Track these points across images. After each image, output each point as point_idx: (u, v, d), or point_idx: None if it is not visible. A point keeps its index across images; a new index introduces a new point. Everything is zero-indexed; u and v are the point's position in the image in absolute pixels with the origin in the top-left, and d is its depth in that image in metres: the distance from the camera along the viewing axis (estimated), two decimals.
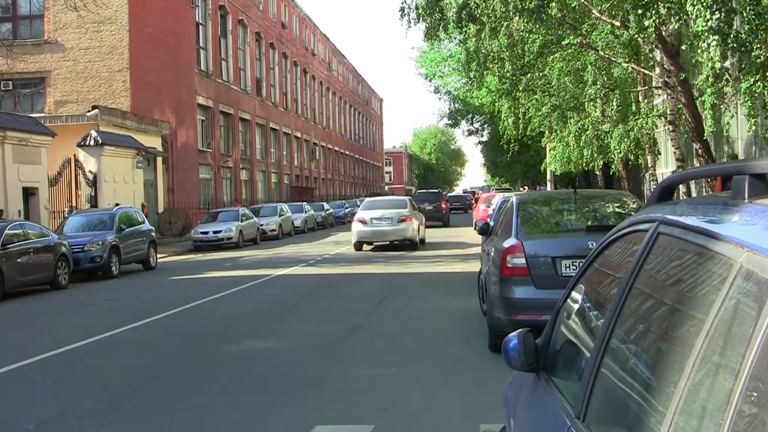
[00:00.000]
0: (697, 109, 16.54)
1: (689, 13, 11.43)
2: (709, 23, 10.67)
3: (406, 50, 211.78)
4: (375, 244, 26.66)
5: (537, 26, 17.30)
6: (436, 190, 49.43)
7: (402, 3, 20.17)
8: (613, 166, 30.61)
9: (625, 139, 23.64)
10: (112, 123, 30.83)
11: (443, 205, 41.05)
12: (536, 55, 21.25)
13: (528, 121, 28.24)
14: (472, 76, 25.46)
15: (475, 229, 15.31)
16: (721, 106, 14.68)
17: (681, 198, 2.96)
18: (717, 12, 10.56)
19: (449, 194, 74.51)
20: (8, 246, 17.16)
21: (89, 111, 30.41)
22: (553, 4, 15.33)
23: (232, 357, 9.52)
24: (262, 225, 35.15)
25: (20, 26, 35.00)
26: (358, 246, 26.20)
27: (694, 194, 20.98)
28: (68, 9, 27.82)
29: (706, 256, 1.72)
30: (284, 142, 61.81)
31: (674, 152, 21.12)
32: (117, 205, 25.00)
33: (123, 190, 29.85)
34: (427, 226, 30.35)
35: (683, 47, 15.69)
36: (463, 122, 62.08)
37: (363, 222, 25.97)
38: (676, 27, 13.97)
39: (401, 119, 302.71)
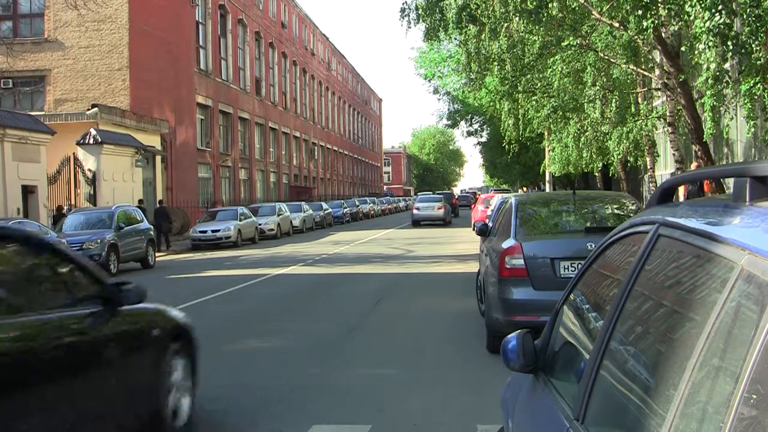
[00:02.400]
0: (696, 110, 16.54)
1: (689, 14, 11.44)
2: (707, 24, 10.67)
3: (405, 50, 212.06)
4: (422, 223, 43.17)
5: (537, 27, 17.32)
6: (449, 191, 76.40)
7: (402, 3, 20.22)
8: (612, 168, 30.65)
9: (624, 141, 23.65)
10: (111, 121, 30.82)
11: (454, 202, 56.18)
12: (536, 56, 21.26)
13: (528, 123, 28.26)
14: (472, 77, 25.49)
15: (473, 229, 15.32)
16: (721, 108, 14.68)
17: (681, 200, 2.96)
18: (717, 14, 10.56)
19: (458, 195, 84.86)
20: None
21: (89, 109, 30.41)
22: (553, 4, 15.31)
23: (229, 356, 9.52)
24: (260, 224, 35.14)
25: (20, 24, 35.01)
26: (415, 223, 43.39)
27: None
28: (68, 7, 27.83)
29: (707, 258, 1.71)
30: (283, 141, 61.81)
31: (673, 154, 21.14)
32: (140, 201, 25.38)
33: (122, 188, 29.86)
34: None
35: (683, 49, 15.70)
36: (462, 123, 62.10)
37: (417, 209, 44.53)
38: (675, 28, 13.98)
39: (400, 119, 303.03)
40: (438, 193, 58.42)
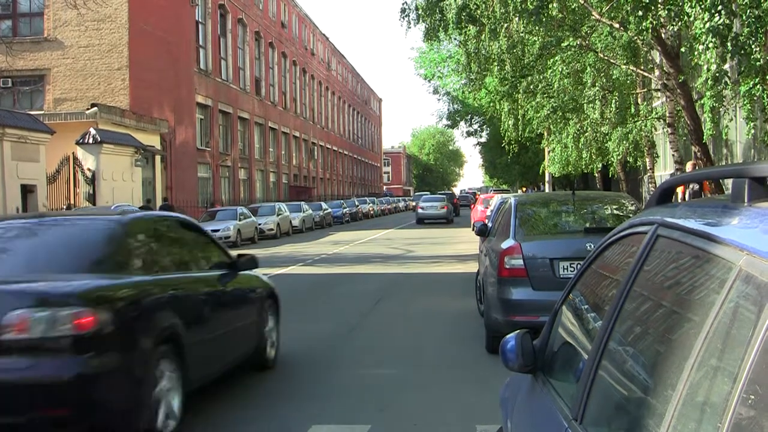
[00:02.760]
0: (696, 111, 16.54)
1: (689, 15, 11.44)
2: (707, 25, 10.67)
3: (405, 51, 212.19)
4: (426, 221, 45.93)
5: (537, 28, 17.30)
6: (450, 192, 79.87)
7: (402, 3, 20.21)
8: (611, 169, 30.63)
9: (624, 142, 23.65)
10: (111, 121, 30.80)
11: (455, 202, 58.17)
12: (536, 56, 21.24)
13: (527, 123, 28.26)
14: (472, 78, 25.47)
15: (473, 229, 15.32)
16: (720, 109, 14.68)
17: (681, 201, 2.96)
18: (717, 14, 10.56)
19: (458, 195, 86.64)
20: None
21: (88, 109, 30.39)
22: (553, 5, 15.30)
23: None
24: (260, 224, 35.12)
25: (20, 24, 35.00)
26: (419, 221, 46.21)
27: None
28: (68, 7, 27.83)
29: (705, 258, 1.72)
30: (283, 141, 61.82)
31: (673, 155, 21.13)
32: (148, 201, 25.25)
33: (121, 188, 29.84)
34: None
35: (683, 49, 15.69)
36: (462, 123, 62.13)
37: (422, 208, 47.36)
38: (675, 29, 13.97)
39: (400, 119, 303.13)
40: (440, 194, 62.01)
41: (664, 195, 2.40)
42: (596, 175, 37.24)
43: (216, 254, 7.65)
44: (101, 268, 5.83)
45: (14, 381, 4.98)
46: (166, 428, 5.66)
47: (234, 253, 8.07)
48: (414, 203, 68.90)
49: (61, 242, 6.30)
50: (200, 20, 44.70)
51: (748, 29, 10.92)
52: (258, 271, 8.61)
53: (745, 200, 1.74)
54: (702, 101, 13.29)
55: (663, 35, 16.54)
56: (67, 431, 5.27)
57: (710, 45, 10.86)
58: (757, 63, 11.66)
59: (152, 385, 5.50)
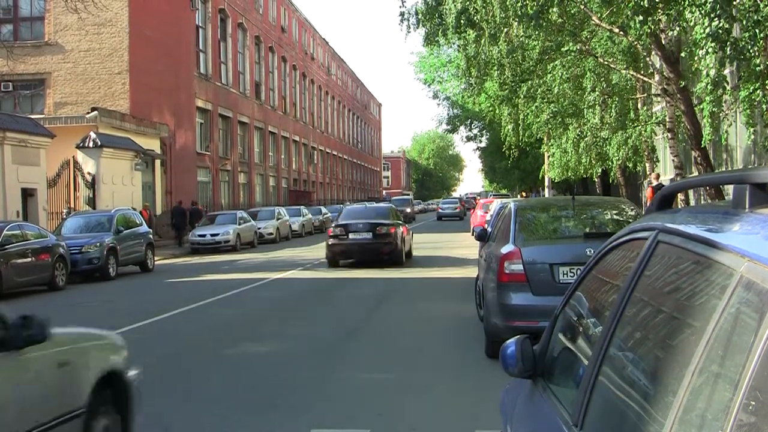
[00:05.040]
0: (696, 116, 16.54)
1: (688, 20, 11.44)
2: (707, 30, 10.67)
3: (405, 55, 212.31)
4: (444, 218, 59.55)
5: (536, 32, 17.30)
6: (457, 197, 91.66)
7: (401, 8, 20.24)
8: (611, 174, 30.60)
9: (624, 147, 23.64)
10: (111, 125, 30.83)
11: (462, 204, 68.38)
12: (536, 61, 21.24)
13: (527, 128, 28.27)
14: (471, 82, 25.47)
15: (472, 234, 15.31)
16: (720, 114, 14.67)
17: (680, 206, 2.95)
18: (716, 19, 10.55)
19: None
20: (6, 246, 17.13)
21: (88, 113, 30.43)
22: (553, 10, 15.31)
23: (228, 360, 9.51)
24: (259, 228, 35.11)
25: (21, 28, 35.03)
26: (439, 218, 60.51)
27: (692, 203, 20.96)
28: (69, 11, 27.83)
29: (706, 265, 1.71)
30: (282, 145, 61.83)
31: (673, 160, 21.13)
32: (180, 203, 25.33)
33: (121, 192, 29.86)
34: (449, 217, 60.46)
35: (682, 54, 15.70)
36: (462, 128, 62.22)
37: (441, 208, 63.00)
38: (675, 34, 13.97)
39: (400, 124, 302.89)
40: (453, 198, 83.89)
41: (665, 201, 2.40)
42: (596, 180, 37.22)
43: (399, 215, 24.74)
44: (388, 217, 22.86)
45: (380, 242, 21.74)
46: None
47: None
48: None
49: (376, 210, 24.02)
50: (200, 25, 44.73)
51: (748, 34, 10.92)
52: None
53: (746, 206, 1.74)
54: (702, 106, 13.29)
55: (663, 40, 16.56)
56: (385, 256, 21.77)
57: (709, 50, 10.86)
58: (757, 68, 11.67)
59: (403, 247, 22.43)
